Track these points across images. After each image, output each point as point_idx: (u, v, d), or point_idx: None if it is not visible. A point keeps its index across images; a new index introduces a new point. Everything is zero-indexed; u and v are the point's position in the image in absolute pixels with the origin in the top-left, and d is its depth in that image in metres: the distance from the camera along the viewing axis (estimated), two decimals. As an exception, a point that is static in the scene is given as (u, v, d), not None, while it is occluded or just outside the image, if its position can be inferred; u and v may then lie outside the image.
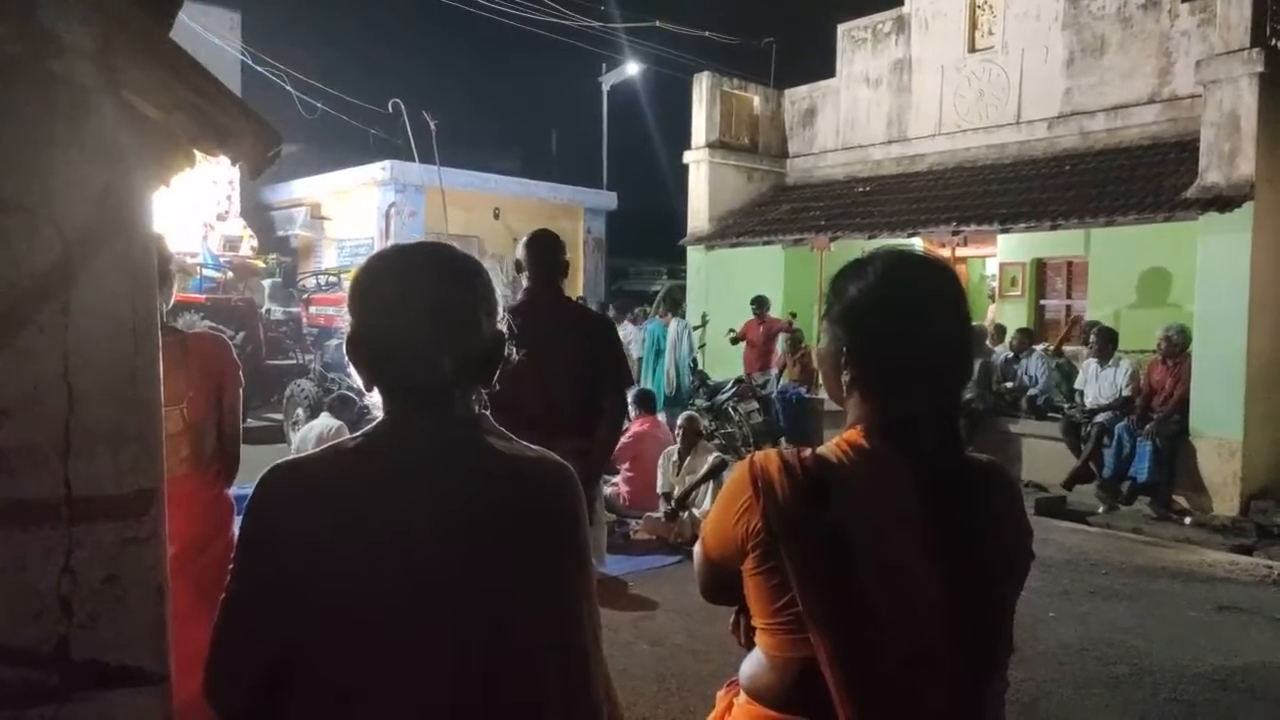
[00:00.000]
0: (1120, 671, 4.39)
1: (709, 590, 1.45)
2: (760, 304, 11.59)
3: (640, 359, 11.13)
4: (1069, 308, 12.15)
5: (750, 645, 1.38)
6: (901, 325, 1.31)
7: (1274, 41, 8.10)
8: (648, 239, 19.13)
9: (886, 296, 1.32)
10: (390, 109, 15.46)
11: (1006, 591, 1.33)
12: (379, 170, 15.98)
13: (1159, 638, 4.82)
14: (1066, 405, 8.96)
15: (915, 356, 1.30)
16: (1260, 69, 7.90)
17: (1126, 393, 8.36)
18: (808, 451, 1.30)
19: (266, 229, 17.02)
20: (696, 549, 1.45)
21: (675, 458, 6.88)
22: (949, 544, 1.25)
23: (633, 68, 20.74)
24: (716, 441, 9.95)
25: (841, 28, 13.62)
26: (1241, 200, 7.92)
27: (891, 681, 1.21)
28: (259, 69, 15.89)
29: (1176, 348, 8.13)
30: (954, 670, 1.24)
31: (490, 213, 17.23)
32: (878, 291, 1.32)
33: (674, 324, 10.73)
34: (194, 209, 13.74)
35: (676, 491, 6.73)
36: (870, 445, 1.29)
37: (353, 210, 16.71)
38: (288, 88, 15.82)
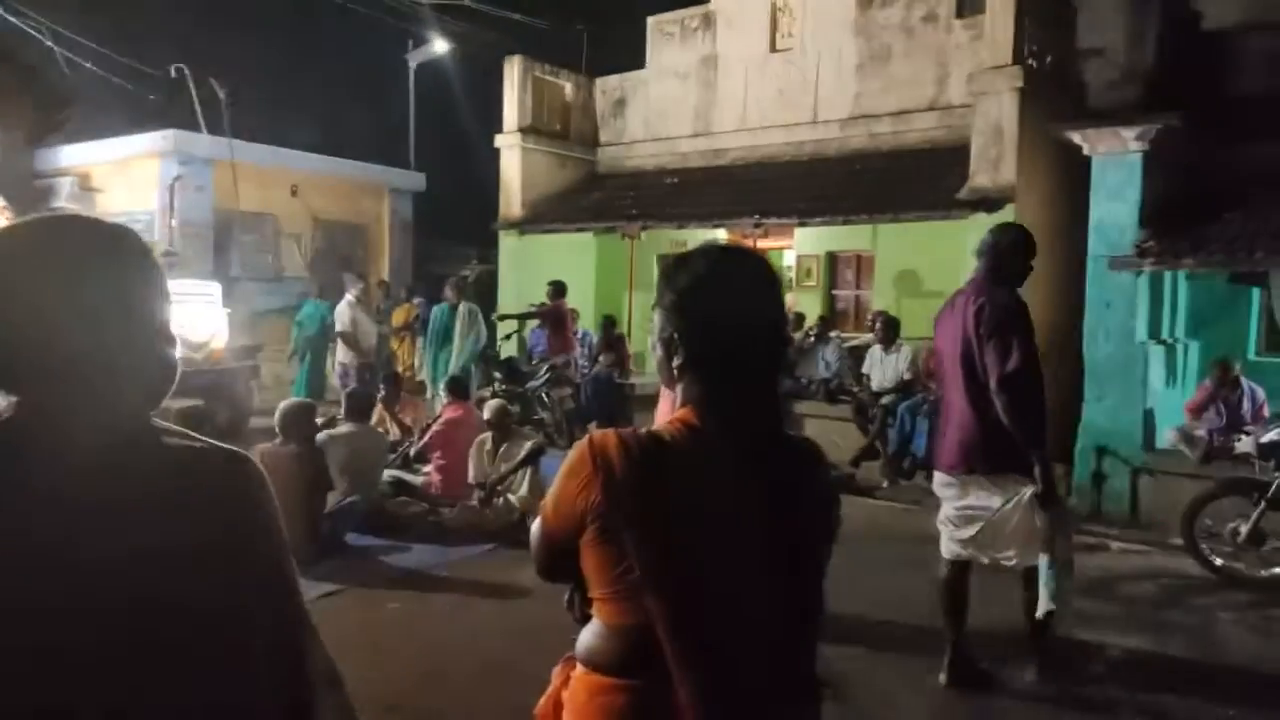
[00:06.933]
0: (908, 634, 4.79)
1: (546, 567, 1.50)
2: (557, 289, 11.33)
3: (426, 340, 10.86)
4: (858, 297, 13.05)
5: (584, 620, 1.45)
6: (728, 312, 1.40)
7: (1030, 61, 9.02)
8: (458, 221, 18.69)
9: (714, 286, 1.42)
10: (173, 74, 14.28)
11: (820, 557, 1.46)
12: (160, 140, 14.70)
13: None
14: (856, 388, 9.64)
15: (741, 340, 1.40)
16: (1020, 84, 8.78)
17: (907, 376, 9.08)
18: (644, 430, 1.39)
19: (28, 200, 15.28)
20: (535, 526, 1.49)
21: (489, 445, 6.82)
22: (770, 513, 1.36)
23: (441, 46, 20.19)
24: (528, 429, 9.93)
25: (651, 20, 13.88)
26: (1004, 202, 8.80)
27: (722, 641, 1.30)
28: (13, 20, 14.21)
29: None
30: (776, 627, 1.35)
31: (288, 190, 16.32)
32: (706, 281, 1.42)
33: (463, 307, 10.40)
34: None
35: (490, 479, 6.67)
36: (701, 424, 1.38)
37: (130, 183, 15.32)
38: (48, 43, 14.27)
